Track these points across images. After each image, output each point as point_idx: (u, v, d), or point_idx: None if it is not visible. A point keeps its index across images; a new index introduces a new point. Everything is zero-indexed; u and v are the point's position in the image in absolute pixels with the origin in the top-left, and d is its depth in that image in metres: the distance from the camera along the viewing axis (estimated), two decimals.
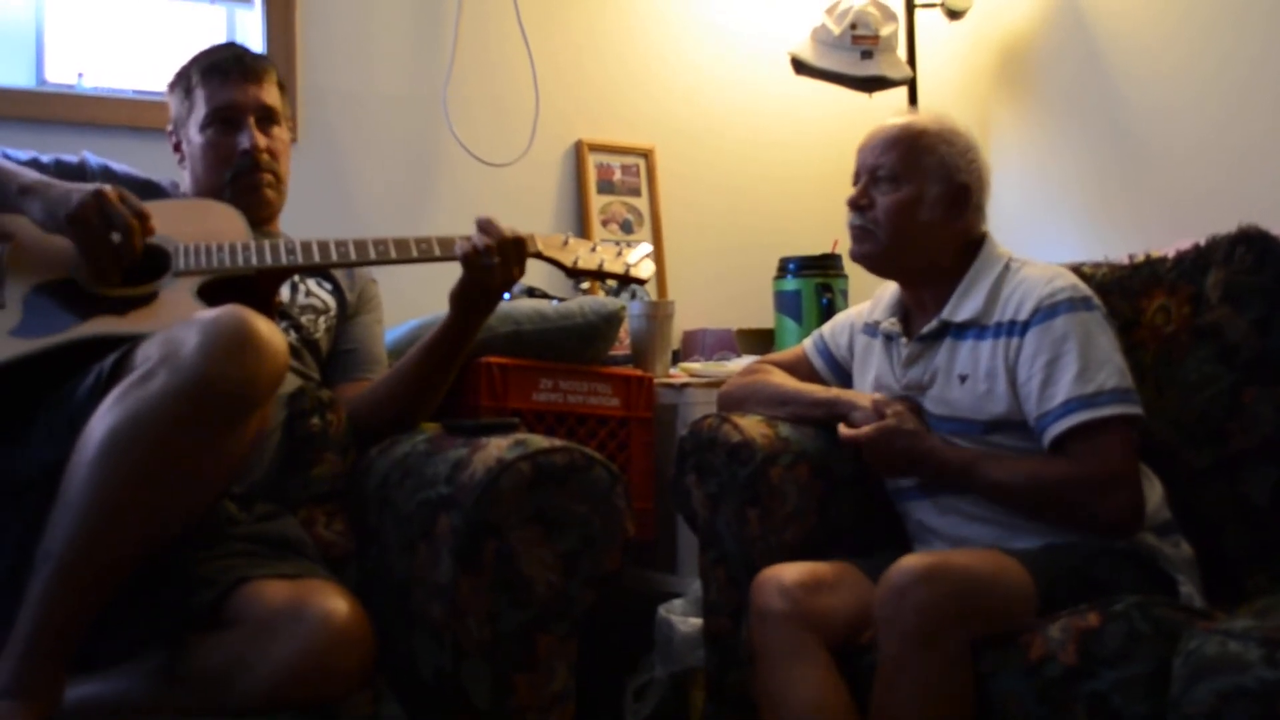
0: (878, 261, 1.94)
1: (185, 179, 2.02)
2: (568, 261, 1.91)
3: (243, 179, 1.94)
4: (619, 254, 1.95)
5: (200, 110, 1.96)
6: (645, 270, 1.95)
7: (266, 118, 1.98)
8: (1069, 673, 1.46)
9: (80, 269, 1.69)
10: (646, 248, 1.98)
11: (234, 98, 1.95)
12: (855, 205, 1.92)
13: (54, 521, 1.38)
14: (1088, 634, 1.46)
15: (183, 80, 2.00)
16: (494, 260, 1.81)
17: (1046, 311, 1.79)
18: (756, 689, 1.75)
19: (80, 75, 2.64)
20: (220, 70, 1.96)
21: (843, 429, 1.90)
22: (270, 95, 1.99)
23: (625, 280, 1.94)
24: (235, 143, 1.94)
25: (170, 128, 2.04)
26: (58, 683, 1.37)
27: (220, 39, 2.76)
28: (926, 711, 1.53)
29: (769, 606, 1.73)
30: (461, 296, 1.87)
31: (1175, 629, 1.41)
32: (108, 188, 1.65)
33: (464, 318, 1.89)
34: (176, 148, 2.03)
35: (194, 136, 1.97)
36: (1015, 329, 1.81)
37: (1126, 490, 1.72)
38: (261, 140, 1.96)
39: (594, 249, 1.94)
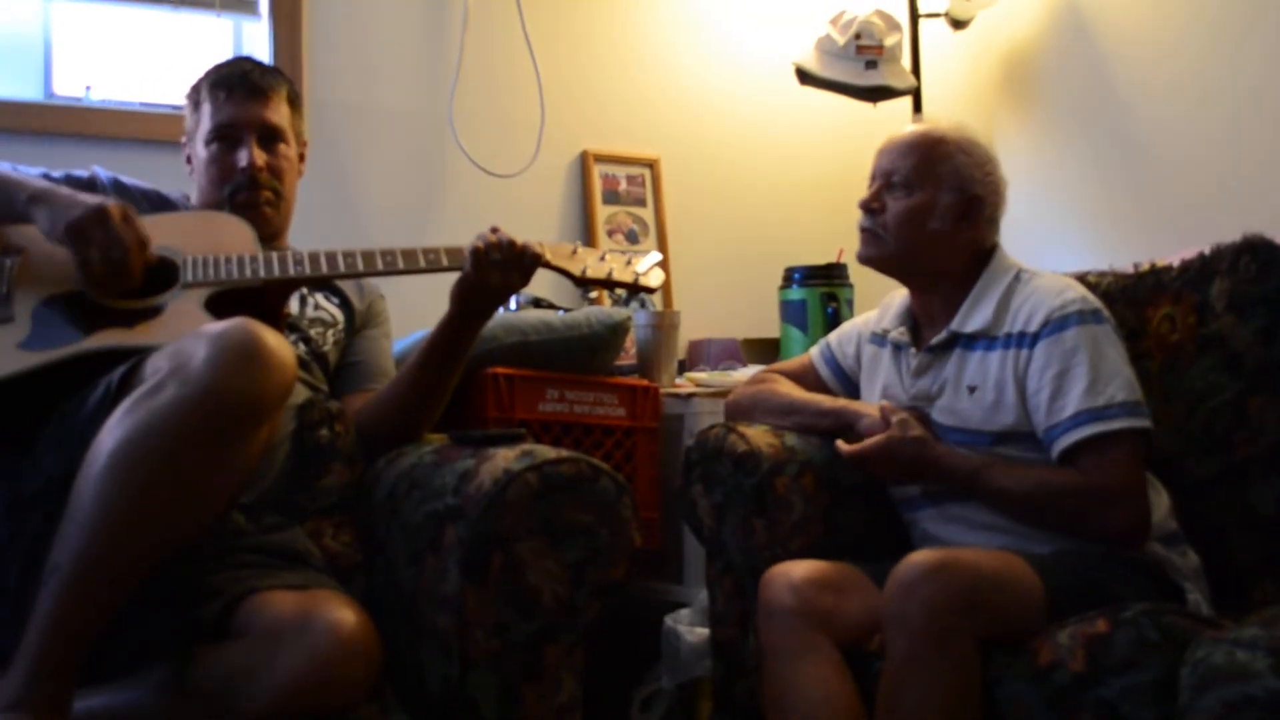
0: (883, 265, 1.95)
1: (194, 191, 2.02)
2: (576, 270, 1.91)
3: (240, 196, 1.95)
4: (628, 263, 1.94)
5: (205, 125, 1.97)
6: (654, 279, 1.94)
7: (270, 136, 1.98)
8: (1077, 680, 1.45)
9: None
10: (656, 256, 1.97)
11: (234, 115, 1.95)
12: (866, 207, 1.92)
13: (62, 534, 1.38)
14: (1096, 641, 1.46)
15: (194, 93, 2.01)
16: (497, 257, 1.81)
17: (1057, 324, 1.78)
18: (763, 688, 1.75)
19: (88, 88, 2.65)
20: (225, 86, 1.97)
21: (840, 445, 1.90)
22: (276, 113, 1.99)
23: (634, 289, 1.93)
24: (235, 160, 1.95)
25: (184, 139, 2.05)
26: (66, 694, 1.37)
27: (227, 52, 2.77)
28: (935, 708, 1.52)
29: (778, 603, 1.73)
30: (461, 291, 1.86)
31: (1184, 637, 1.41)
32: (113, 204, 1.65)
33: (462, 316, 1.88)
34: (189, 159, 2.04)
35: (199, 150, 1.98)
36: (1025, 340, 1.81)
37: (1133, 503, 1.72)
38: (260, 158, 1.95)
39: (602, 258, 1.94)
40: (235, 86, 1.96)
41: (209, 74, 2.01)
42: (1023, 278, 1.89)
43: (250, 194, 1.95)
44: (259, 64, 2.04)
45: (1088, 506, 1.72)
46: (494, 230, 1.85)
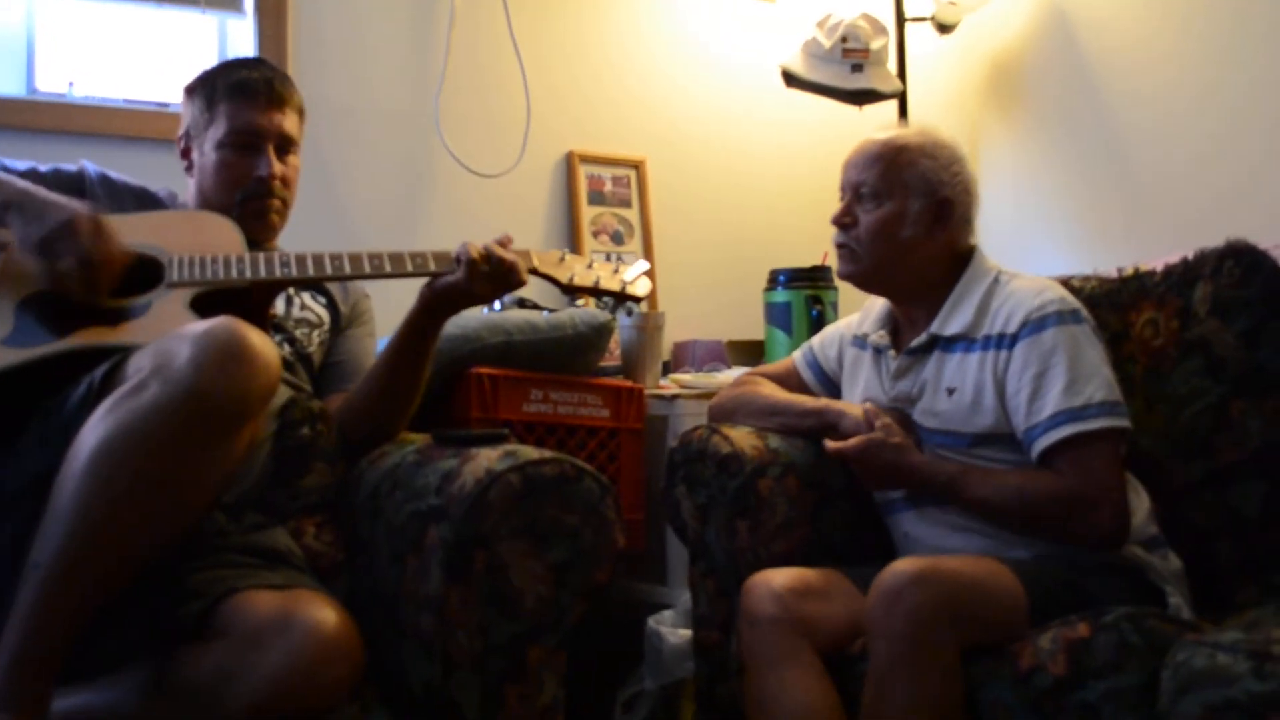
0: (863, 281, 1.95)
1: (190, 188, 1.99)
2: (563, 278, 1.89)
3: (252, 203, 1.93)
4: (615, 271, 1.93)
5: (220, 127, 1.93)
6: (641, 288, 1.93)
7: (285, 145, 1.97)
8: (1058, 683, 1.46)
9: None
10: (643, 265, 1.96)
11: (257, 122, 1.93)
12: (839, 223, 1.93)
13: (43, 532, 1.37)
14: (1078, 645, 1.47)
15: (205, 89, 1.97)
16: (486, 269, 1.80)
17: (1035, 324, 1.79)
18: (746, 695, 1.75)
19: (71, 84, 2.64)
20: (248, 91, 1.93)
21: (828, 442, 1.90)
22: (291, 123, 1.98)
23: (621, 298, 1.92)
24: (251, 166, 1.92)
25: (181, 133, 2.00)
26: (45, 694, 1.36)
27: (211, 49, 2.77)
28: (918, 716, 1.53)
29: (759, 611, 1.73)
30: (443, 292, 1.83)
31: (1165, 641, 1.41)
32: (83, 216, 1.63)
33: (431, 314, 1.86)
34: (185, 154, 2.00)
35: (208, 150, 1.94)
36: (1004, 341, 1.81)
37: (1112, 504, 1.72)
38: (278, 168, 1.94)
39: (590, 265, 1.93)
40: (260, 93, 1.94)
41: (225, 72, 1.98)
42: (1002, 280, 1.89)
43: (262, 202, 1.94)
44: (277, 70, 2.01)
45: (1067, 512, 1.72)
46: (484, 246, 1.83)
